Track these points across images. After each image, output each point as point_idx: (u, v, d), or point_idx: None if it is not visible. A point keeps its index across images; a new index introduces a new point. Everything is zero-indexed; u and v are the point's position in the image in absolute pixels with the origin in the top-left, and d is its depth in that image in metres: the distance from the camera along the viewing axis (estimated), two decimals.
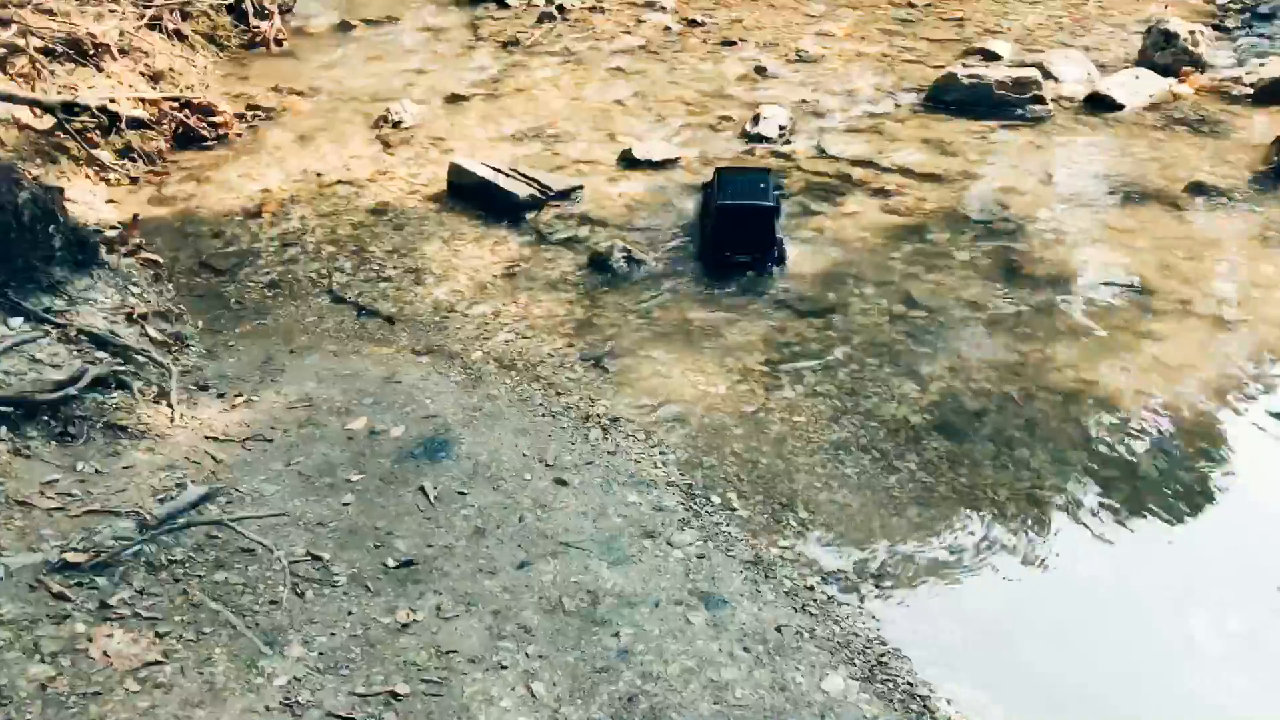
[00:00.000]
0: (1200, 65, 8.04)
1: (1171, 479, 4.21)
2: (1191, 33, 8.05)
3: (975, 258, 5.71)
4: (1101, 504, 4.07)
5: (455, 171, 6.29)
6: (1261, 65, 7.84)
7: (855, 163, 6.74)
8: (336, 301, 5.25)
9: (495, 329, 5.06)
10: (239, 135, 7.01)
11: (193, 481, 3.76)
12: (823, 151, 6.88)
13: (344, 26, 9.15)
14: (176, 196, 6.23)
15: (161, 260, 5.48)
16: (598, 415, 4.42)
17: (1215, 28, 9.04)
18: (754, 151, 6.89)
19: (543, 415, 4.39)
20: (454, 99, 7.69)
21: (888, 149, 6.92)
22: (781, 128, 7.11)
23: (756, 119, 7.18)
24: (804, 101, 7.67)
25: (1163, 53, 8.02)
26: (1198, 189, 6.38)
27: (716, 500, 3.99)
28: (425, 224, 5.99)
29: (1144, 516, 4.03)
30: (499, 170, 6.25)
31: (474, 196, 6.17)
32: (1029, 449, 4.33)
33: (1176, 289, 5.42)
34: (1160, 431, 4.46)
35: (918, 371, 4.79)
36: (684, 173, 6.62)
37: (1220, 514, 4.07)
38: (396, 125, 7.17)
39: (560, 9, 9.54)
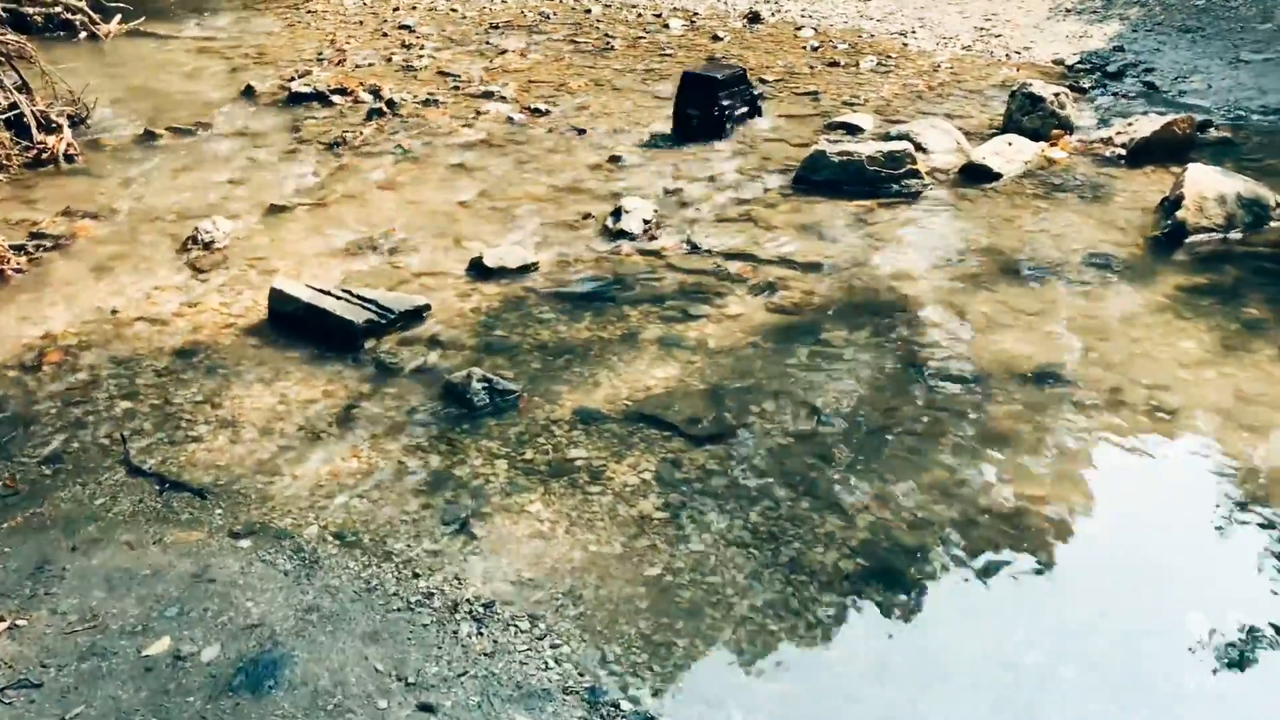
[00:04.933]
0: (1069, 128, 7.77)
1: (1168, 622, 3.58)
2: (1057, 95, 7.79)
3: (877, 356, 5.10)
4: (1084, 659, 3.41)
5: (277, 297, 5.40)
6: (1130, 125, 7.60)
7: (731, 256, 6.11)
8: (134, 474, 4.27)
9: (333, 492, 4.16)
10: (18, 271, 5.96)
11: None
12: (695, 246, 6.23)
13: (148, 136, 8.18)
14: None
15: None
16: (468, 601, 3.56)
17: (1072, 88, 8.85)
18: (620, 250, 6.20)
19: (398, 609, 3.51)
20: (275, 210, 6.81)
21: (763, 239, 6.32)
22: (646, 222, 6.46)
23: (618, 213, 6.51)
24: (666, 191, 7.05)
25: (1030, 116, 7.72)
26: (1095, 261, 5.96)
27: (628, 707, 3.17)
28: (243, 364, 5.06)
29: (1142, 676, 3.38)
30: (329, 293, 5.39)
31: (301, 326, 5.29)
32: (985, 593, 3.66)
33: (1101, 377, 4.90)
34: (1137, 556, 3.85)
35: (839, 503, 4.09)
36: (543, 279, 5.87)
37: (1241, 659, 3.46)
38: (208, 246, 6.23)
39: (390, 104, 8.78)
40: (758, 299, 5.65)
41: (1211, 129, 7.86)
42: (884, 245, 6.25)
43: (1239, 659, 3.39)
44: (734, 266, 5.98)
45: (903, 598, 3.64)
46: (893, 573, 3.74)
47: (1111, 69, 9.42)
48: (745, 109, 8.13)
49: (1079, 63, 9.73)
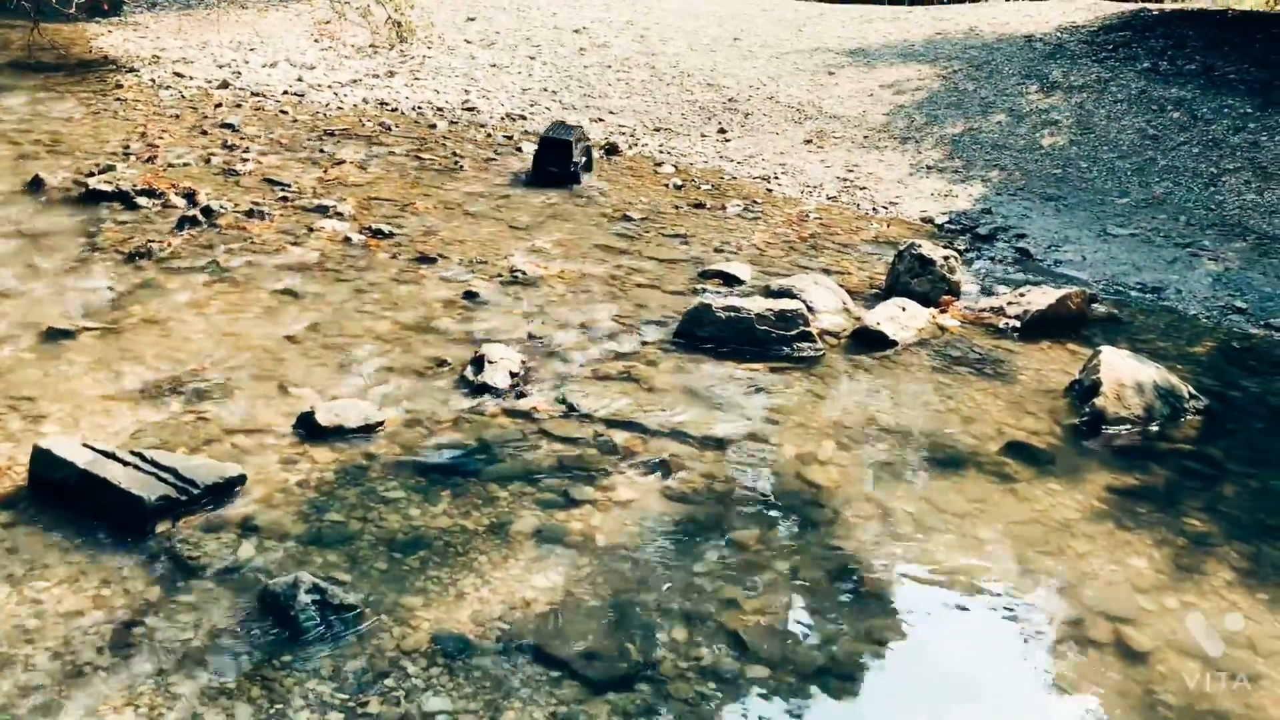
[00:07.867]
0: (957, 294, 7.31)
1: None
2: (946, 259, 7.33)
3: (799, 566, 4.26)
4: None
5: (42, 460, 4.17)
6: (1021, 296, 7.18)
7: (615, 423, 5.21)
8: None
9: None
10: None
11: None
12: (572, 408, 5.31)
13: None
14: None
15: None
16: None
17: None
18: (483, 408, 5.23)
19: None
20: (53, 336, 5.54)
21: (649, 404, 5.46)
22: (513, 375, 5.52)
23: (479, 363, 5.55)
24: (532, 337, 6.14)
25: (919, 279, 7.22)
26: (1017, 451, 5.35)
27: None
28: None
29: None
30: (113, 456, 4.20)
31: (72, 498, 4.08)
32: None
33: (1055, 604, 4.20)
34: None
35: None
36: (389, 444, 4.83)
37: None
38: None
39: (206, 211, 7.62)
40: (650, 480, 4.76)
41: (1097, 304, 7.55)
42: (784, 419, 5.48)
43: None
44: (619, 437, 5.08)
45: None
46: None
47: (982, 231, 9.15)
48: (585, 160, 9.82)
49: (948, 222, 9.44)
